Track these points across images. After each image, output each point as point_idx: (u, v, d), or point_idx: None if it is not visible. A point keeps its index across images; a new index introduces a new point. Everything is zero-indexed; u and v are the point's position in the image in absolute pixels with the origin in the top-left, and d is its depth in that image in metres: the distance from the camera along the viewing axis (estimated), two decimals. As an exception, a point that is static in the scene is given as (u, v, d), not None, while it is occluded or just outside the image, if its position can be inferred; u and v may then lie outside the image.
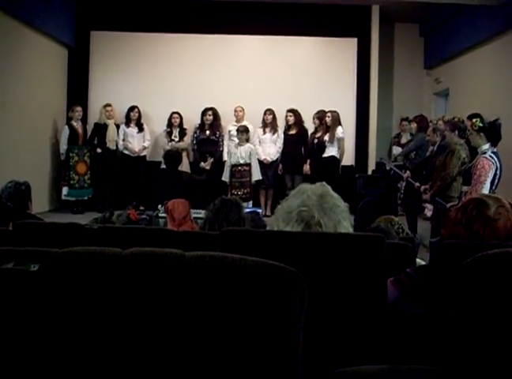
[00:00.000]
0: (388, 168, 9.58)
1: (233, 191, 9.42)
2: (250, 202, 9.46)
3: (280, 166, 10.08)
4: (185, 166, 9.97)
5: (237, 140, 9.73)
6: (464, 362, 1.12)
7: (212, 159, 9.91)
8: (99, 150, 10.04)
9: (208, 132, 10.05)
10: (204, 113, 10.07)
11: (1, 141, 8.41)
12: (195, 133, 10.16)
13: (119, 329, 1.01)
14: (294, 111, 10.02)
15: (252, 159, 9.60)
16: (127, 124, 10.22)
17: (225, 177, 9.67)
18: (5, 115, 8.54)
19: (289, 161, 9.98)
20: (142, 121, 10.34)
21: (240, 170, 9.56)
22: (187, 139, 10.20)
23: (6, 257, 1.07)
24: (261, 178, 9.73)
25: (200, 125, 10.15)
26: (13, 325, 1.04)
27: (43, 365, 1.03)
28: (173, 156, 8.38)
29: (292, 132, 10.06)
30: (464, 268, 1.10)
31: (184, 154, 10.12)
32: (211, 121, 10.04)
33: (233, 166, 9.59)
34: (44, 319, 1.02)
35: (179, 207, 5.43)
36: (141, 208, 8.68)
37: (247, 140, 9.74)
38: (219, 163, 10.00)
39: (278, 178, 10.09)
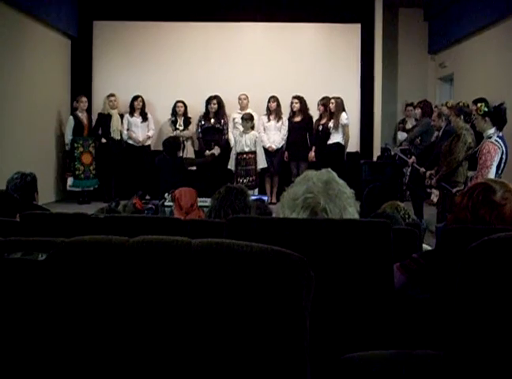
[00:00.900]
0: (393, 153, 9.58)
1: (239, 179, 9.44)
2: (256, 190, 9.48)
3: (286, 153, 10.07)
4: (190, 155, 10.01)
5: (242, 128, 9.73)
6: (471, 347, 1.13)
7: (218, 150, 9.89)
8: (103, 140, 10.06)
9: (212, 120, 10.04)
10: (208, 101, 10.06)
11: (6, 133, 8.43)
12: (200, 121, 10.15)
13: (127, 318, 1.02)
14: (300, 98, 9.98)
15: (257, 147, 9.60)
16: (131, 113, 10.23)
17: (231, 165, 9.69)
18: (9, 107, 8.56)
19: (294, 148, 9.97)
20: (146, 110, 10.34)
21: (245, 158, 9.57)
22: (192, 128, 10.20)
23: (14, 247, 1.08)
24: (266, 165, 9.73)
25: (204, 113, 10.14)
26: (21, 314, 1.04)
27: (51, 355, 1.04)
28: (171, 143, 8.37)
29: (297, 119, 10.04)
30: (469, 251, 1.10)
31: (189, 143, 10.15)
32: (216, 109, 10.03)
33: (238, 154, 9.60)
34: (52, 308, 1.02)
35: (186, 195, 5.45)
36: (147, 197, 8.70)
37: (252, 128, 9.75)
38: (225, 151, 10.02)
39: (283, 165, 10.09)
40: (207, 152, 9.92)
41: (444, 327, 1.46)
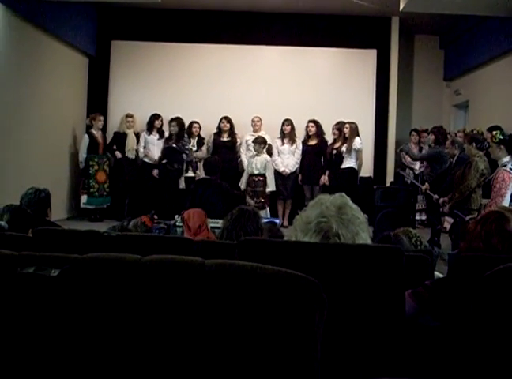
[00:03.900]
0: (406, 179, 9.60)
1: (247, 199, 9.43)
2: (267, 211, 9.44)
3: (300, 176, 10.07)
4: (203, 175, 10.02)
5: (254, 151, 9.75)
6: (486, 375, 1.11)
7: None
8: (119, 155, 10.03)
9: (226, 138, 10.14)
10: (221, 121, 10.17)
11: (22, 148, 8.49)
12: (215, 140, 10.20)
13: (140, 336, 1.02)
14: (315, 122, 10.01)
15: (267, 171, 9.59)
16: (149, 131, 10.23)
17: (242, 184, 9.68)
18: (26, 123, 8.63)
19: (308, 172, 9.97)
20: (163, 128, 10.37)
21: (255, 180, 9.56)
22: (205, 148, 10.22)
23: (27, 262, 1.08)
24: (275, 189, 9.72)
25: (217, 131, 10.20)
26: (34, 329, 1.04)
27: (63, 368, 1.04)
28: (212, 163, 8.17)
29: (312, 142, 10.06)
30: (485, 279, 1.09)
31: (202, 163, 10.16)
32: (228, 128, 10.12)
33: (250, 175, 9.61)
34: (65, 323, 1.02)
35: (194, 216, 5.44)
36: (155, 217, 8.63)
37: (267, 151, 9.75)
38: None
39: (296, 189, 10.07)
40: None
41: (456, 355, 1.44)
